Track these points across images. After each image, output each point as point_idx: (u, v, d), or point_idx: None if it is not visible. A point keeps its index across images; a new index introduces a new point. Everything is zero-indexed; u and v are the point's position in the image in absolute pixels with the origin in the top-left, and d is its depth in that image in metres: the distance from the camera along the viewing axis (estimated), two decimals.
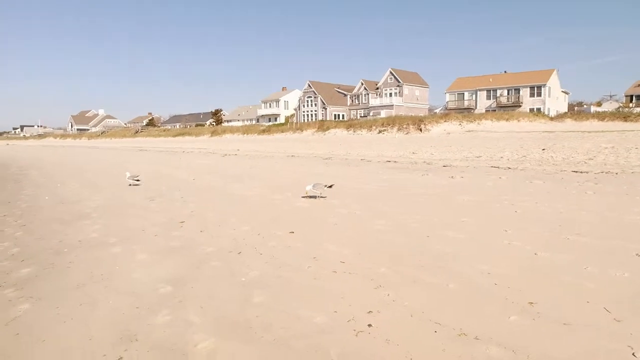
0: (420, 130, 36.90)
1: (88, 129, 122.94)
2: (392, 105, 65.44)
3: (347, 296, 3.76)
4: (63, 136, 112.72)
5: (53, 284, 4.45)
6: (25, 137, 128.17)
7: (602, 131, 27.13)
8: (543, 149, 16.88)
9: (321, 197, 8.51)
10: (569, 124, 40.43)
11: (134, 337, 3.25)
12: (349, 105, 74.44)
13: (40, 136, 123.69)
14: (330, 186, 8.53)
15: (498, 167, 12.53)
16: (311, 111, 74.36)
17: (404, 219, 6.45)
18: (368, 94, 70.99)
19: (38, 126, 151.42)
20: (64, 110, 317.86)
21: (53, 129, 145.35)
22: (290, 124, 57.79)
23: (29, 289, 4.34)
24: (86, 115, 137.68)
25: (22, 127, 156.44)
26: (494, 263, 4.36)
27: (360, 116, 67.07)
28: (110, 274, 4.65)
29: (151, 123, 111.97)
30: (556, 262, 4.39)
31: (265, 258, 4.93)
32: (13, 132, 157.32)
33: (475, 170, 12.25)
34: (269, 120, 79.23)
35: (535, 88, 56.92)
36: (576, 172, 11.05)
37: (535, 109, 53.34)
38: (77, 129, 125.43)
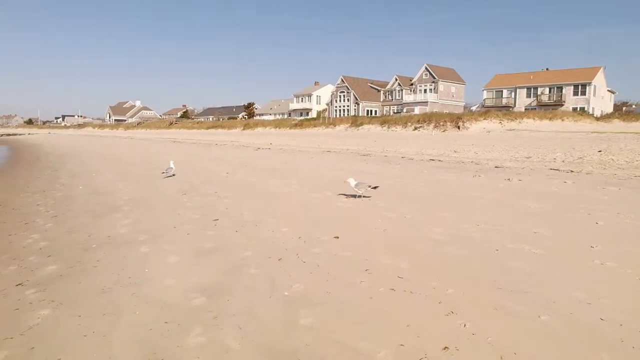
0: (458, 127, 35.48)
1: (125, 120, 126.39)
2: (427, 102, 63.68)
3: (414, 324, 3.11)
4: (101, 126, 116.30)
5: (77, 286, 4.11)
6: (65, 127, 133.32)
7: None
8: (599, 151, 15.54)
9: (364, 196, 7.83)
10: (617, 124, 38.10)
11: None
12: (382, 101, 73.07)
13: (79, 126, 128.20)
14: (375, 187, 7.81)
15: (558, 170, 11.37)
16: (344, 106, 73.45)
17: (465, 227, 5.66)
18: (402, 90, 69.40)
19: (78, 116, 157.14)
20: (102, 101, 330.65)
21: (92, 119, 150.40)
22: (323, 119, 57.19)
23: (51, 291, 4.02)
24: (123, 106, 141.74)
25: (63, 117, 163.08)
26: (591, 290, 3.56)
27: (394, 112, 65.59)
28: (139, 278, 4.22)
29: (185, 115, 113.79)
30: None
31: (309, 267, 4.35)
32: (55, 122, 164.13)
33: (533, 172, 11.16)
34: (301, 115, 78.83)
35: (580, 86, 53.95)
36: None
37: (578, 108, 50.54)
38: (115, 120, 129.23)
